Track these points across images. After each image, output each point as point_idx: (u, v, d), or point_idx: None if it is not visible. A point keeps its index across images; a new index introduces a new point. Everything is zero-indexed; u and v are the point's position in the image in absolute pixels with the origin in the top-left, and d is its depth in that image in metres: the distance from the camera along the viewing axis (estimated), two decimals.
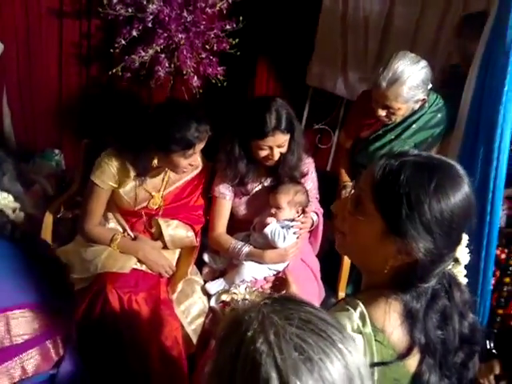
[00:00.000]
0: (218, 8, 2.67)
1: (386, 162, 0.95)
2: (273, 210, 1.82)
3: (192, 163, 1.76)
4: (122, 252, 1.82)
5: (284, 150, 1.82)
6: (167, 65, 2.80)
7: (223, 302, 1.45)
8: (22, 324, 1.04)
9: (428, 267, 0.92)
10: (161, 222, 1.87)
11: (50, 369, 1.10)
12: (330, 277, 2.05)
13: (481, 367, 1.62)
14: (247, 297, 1.40)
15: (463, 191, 0.92)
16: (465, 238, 1.02)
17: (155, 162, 1.77)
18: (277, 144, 1.78)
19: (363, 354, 0.88)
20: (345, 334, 0.71)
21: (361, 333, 0.90)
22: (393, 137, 1.96)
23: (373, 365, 0.88)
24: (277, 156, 1.80)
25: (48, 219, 1.96)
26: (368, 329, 0.90)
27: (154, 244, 1.89)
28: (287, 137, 1.80)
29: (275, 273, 1.85)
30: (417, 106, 1.89)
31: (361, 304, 0.94)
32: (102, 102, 3.28)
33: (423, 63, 1.81)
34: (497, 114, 1.55)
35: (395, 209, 0.91)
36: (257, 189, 1.93)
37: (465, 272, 1.10)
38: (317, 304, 1.72)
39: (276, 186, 1.87)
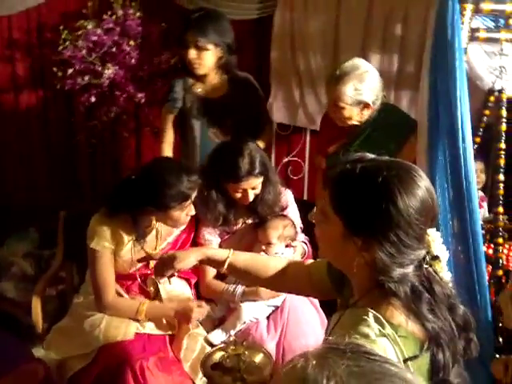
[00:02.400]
0: (172, 63, 2.73)
1: (340, 167, 1.02)
2: (263, 246, 1.82)
3: (189, 213, 1.76)
4: (151, 319, 1.78)
5: (258, 191, 1.86)
6: (130, 124, 2.84)
7: (215, 364, 1.38)
8: None
9: (386, 262, 0.94)
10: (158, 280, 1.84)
11: None
12: (326, 303, 2.03)
13: (496, 364, 1.63)
14: (239, 351, 1.37)
15: (416, 190, 0.95)
16: (436, 235, 1.06)
17: (154, 222, 1.79)
18: (251, 187, 1.82)
19: (394, 355, 0.89)
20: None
21: (384, 335, 0.91)
22: (356, 147, 2.00)
23: (407, 360, 0.90)
24: (251, 197, 1.84)
25: (36, 302, 1.88)
26: (388, 329, 0.91)
27: None
28: (261, 179, 1.84)
29: (274, 308, 1.84)
30: (364, 114, 1.94)
31: (368, 309, 0.95)
32: (71, 172, 3.27)
33: (374, 71, 1.91)
34: (455, 118, 1.62)
35: (348, 208, 0.98)
36: (239, 229, 1.93)
37: (446, 268, 1.14)
38: (321, 330, 1.72)
39: (260, 223, 1.88)
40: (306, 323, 1.77)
